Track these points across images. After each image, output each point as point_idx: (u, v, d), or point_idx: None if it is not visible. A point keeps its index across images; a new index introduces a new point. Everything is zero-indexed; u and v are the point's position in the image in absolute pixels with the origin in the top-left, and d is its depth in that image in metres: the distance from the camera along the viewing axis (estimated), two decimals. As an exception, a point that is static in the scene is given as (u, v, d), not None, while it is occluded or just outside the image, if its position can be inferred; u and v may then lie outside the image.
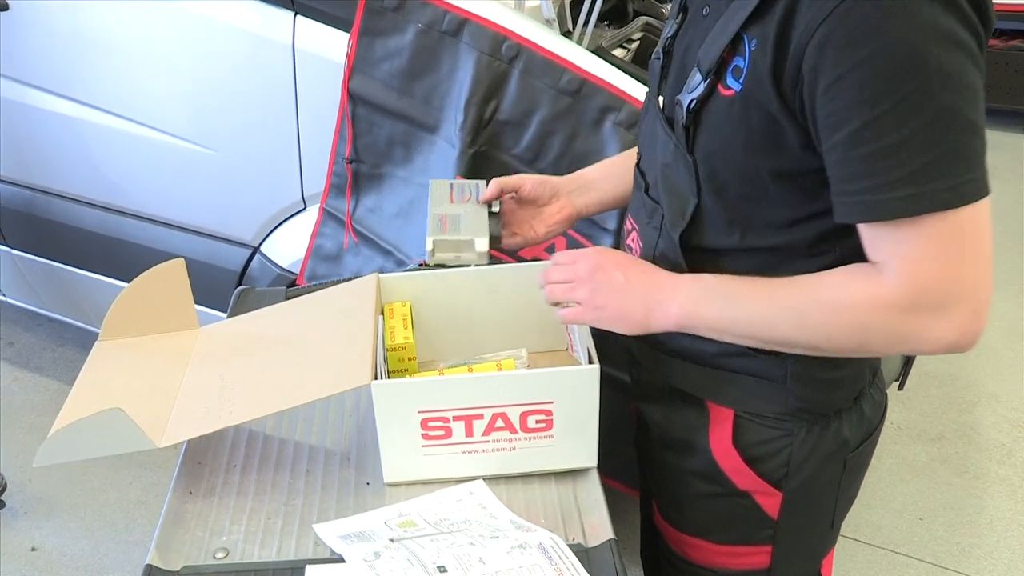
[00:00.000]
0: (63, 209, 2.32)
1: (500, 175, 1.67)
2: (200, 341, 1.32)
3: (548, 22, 1.83)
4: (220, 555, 1.03)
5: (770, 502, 1.11)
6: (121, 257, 2.27)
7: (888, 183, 0.83)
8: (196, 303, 1.36)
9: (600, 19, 2.00)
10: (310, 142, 1.90)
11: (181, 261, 1.33)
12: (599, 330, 1.09)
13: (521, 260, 1.54)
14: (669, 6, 1.86)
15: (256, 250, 2.10)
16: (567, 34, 1.93)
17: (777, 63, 0.86)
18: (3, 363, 2.87)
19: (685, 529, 1.20)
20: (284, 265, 2.05)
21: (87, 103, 2.11)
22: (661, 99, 1.08)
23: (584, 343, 1.15)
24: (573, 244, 1.68)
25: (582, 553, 0.99)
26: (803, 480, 1.10)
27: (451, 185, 1.38)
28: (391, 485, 1.13)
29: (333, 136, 1.79)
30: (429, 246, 1.26)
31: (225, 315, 1.44)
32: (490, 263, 1.28)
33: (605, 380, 1.08)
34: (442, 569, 0.93)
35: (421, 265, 1.49)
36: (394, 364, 1.23)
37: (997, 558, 2.25)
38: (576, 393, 1.08)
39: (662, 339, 1.08)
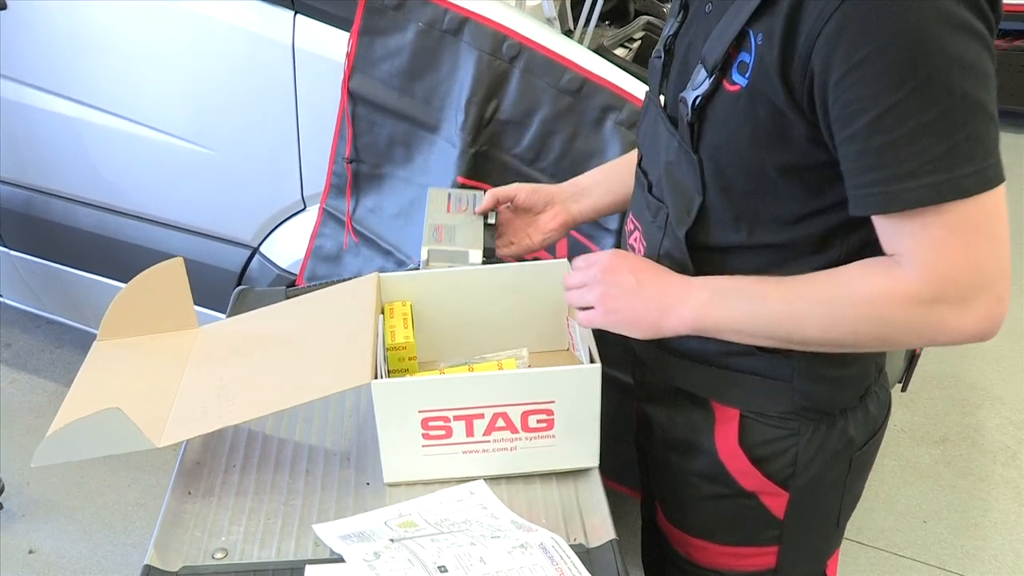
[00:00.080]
0: (61, 209, 2.31)
1: (501, 175, 1.68)
2: (199, 341, 1.31)
3: (549, 21, 1.83)
4: (219, 555, 1.02)
5: (776, 502, 1.11)
6: (120, 258, 2.27)
7: (908, 172, 0.82)
8: (195, 304, 1.35)
9: (601, 19, 2.00)
10: (310, 142, 1.90)
11: (180, 260, 1.33)
12: (599, 330, 1.09)
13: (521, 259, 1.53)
14: (670, 5, 1.85)
15: (256, 251, 2.10)
16: (568, 33, 1.92)
17: (785, 57, 0.86)
18: (1, 365, 2.86)
19: (689, 530, 1.20)
20: (284, 266, 2.04)
21: (85, 103, 2.10)
22: (662, 98, 1.08)
23: (585, 342, 1.14)
24: (575, 245, 1.67)
25: (583, 553, 0.98)
26: (809, 480, 1.09)
27: (449, 194, 1.39)
28: (391, 485, 1.12)
29: (333, 136, 1.78)
30: (424, 255, 1.29)
31: (224, 316, 1.43)
32: (492, 263, 1.28)
33: (605, 381, 1.08)
34: (443, 569, 0.92)
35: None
36: (394, 364, 1.22)
37: (1002, 561, 2.24)
38: (577, 393, 1.07)
39: (667, 339, 1.08)
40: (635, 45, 2.05)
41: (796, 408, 1.06)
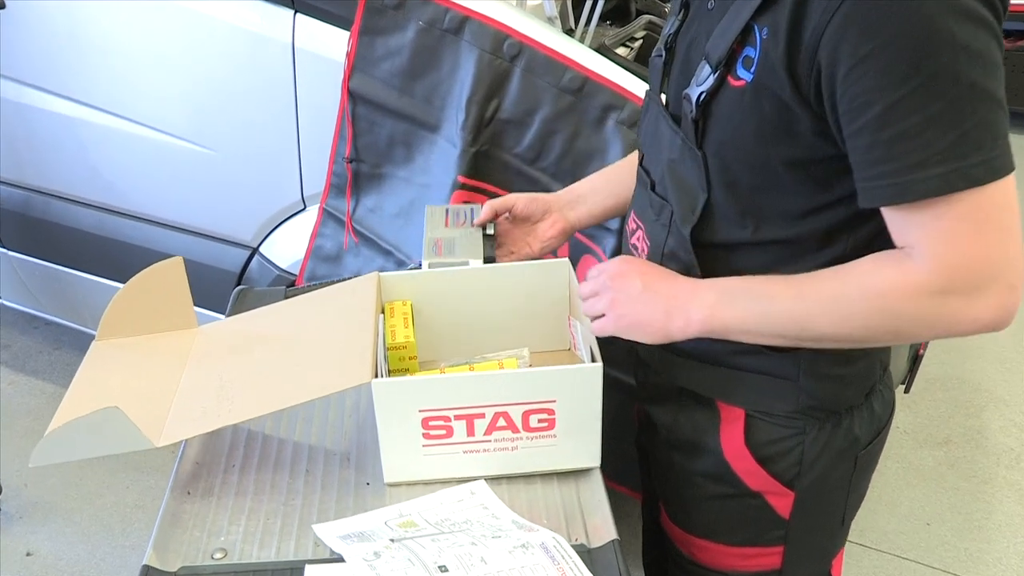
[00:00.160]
0: (60, 210, 2.31)
1: (502, 174, 1.68)
2: (198, 340, 1.30)
3: (550, 20, 1.82)
4: (218, 555, 1.02)
5: (782, 502, 1.10)
6: (119, 258, 2.26)
7: (917, 163, 0.81)
8: (194, 304, 1.35)
9: (602, 18, 2.00)
10: (310, 142, 1.89)
11: (179, 259, 1.32)
12: None
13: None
14: (671, 4, 1.85)
15: (255, 251, 2.09)
16: (569, 32, 1.92)
17: (791, 51, 0.85)
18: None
19: (694, 531, 1.19)
20: (283, 266, 2.04)
21: (84, 102, 2.09)
22: (664, 96, 1.08)
23: (587, 342, 1.13)
24: (576, 245, 1.67)
25: (585, 554, 0.98)
26: (815, 479, 1.09)
27: (447, 210, 1.40)
28: (391, 485, 1.11)
29: (333, 136, 1.78)
30: (425, 269, 1.28)
31: (224, 317, 1.43)
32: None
33: (606, 381, 1.07)
34: (443, 569, 0.92)
35: (421, 265, 1.49)
36: (395, 363, 1.21)
37: (1006, 564, 2.23)
38: (579, 392, 1.06)
39: None
40: (636, 44, 2.05)
41: (802, 407, 1.05)
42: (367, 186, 1.82)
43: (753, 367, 1.05)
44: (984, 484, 2.47)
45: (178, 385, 1.20)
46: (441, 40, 1.65)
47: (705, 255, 1.02)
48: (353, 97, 1.72)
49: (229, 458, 1.17)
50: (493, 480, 1.10)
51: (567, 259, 1.28)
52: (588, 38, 1.87)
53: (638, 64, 1.83)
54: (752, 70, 0.90)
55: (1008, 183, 0.82)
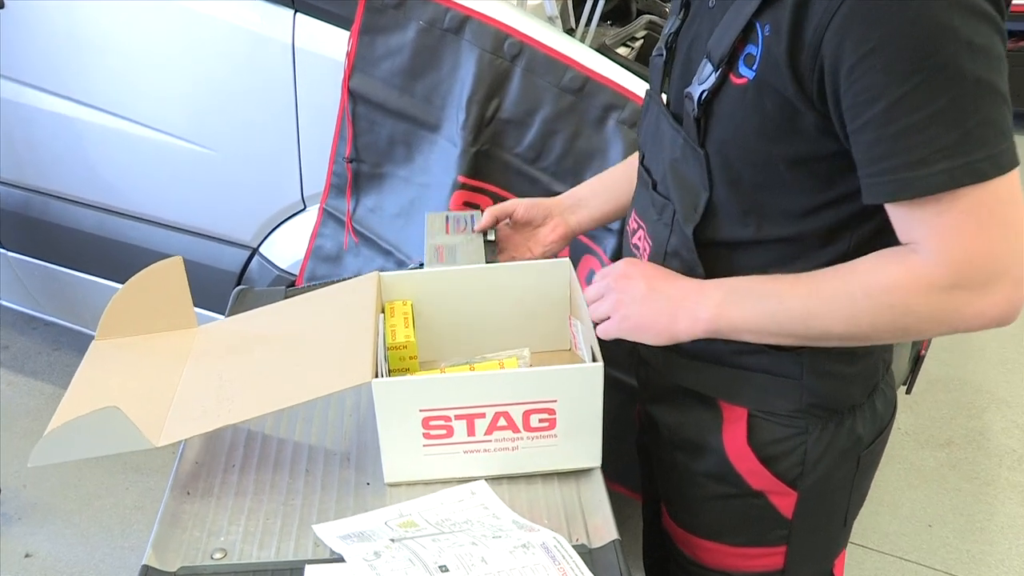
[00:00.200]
0: (59, 210, 2.30)
1: (502, 174, 1.67)
2: (198, 340, 1.30)
3: (551, 20, 1.82)
4: (218, 555, 1.01)
5: (784, 502, 1.10)
6: (118, 259, 2.25)
7: (922, 159, 0.81)
8: (194, 305, 1.34)
9: (603, 18, 1.99)
10: (310, 142, 1.89)
11: (179, 259, 1.31)
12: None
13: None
14: (671, 3, 1.85)
15: (255, 251, 2.09)
16: (570, 32, 1.92)
17: (793, 47, 0.85)
18: (-1, 367, 2.86)
19: (696, 531, 1.19)
20: (283, 266, 2.03)
21: (83, 102, 2.09)
22: (665, 96, 1.08)
23: (588, 342, 1.13)
24: (577, 244, 1.66)
25: (586, 554, 0.97)
26: (818, 478, 1.08)
27: (447, 217, 1.41)
28: (392, 485, 1.10)
29: (333, 135, 1.77)
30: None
31: (223, 317, 1.42)
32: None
33: (606, 382, 1.07)
34: (444, 569, 0.91)
35: (422, 265, 1.49)
36: (395, 363, 1.21)
37: (1008, 566, 2.22)
38: (580, 391, 1.06)
39: None
40: (637, 44, 2.05)
41: (805, 406, 1.05)
42: (367, 186, 1.81)
43: (756, 366, 1.05)
44: (986, 486, 2.46)
45: (178, 385, 1.19)
46: (442, 40, 1.64)
47: (708, 254, 1.02)
48: (353, 97, 1.72)
49: (229, 458, 1.17)
50: (494, 480, 1.09)
51: (567, 259, 1.28)
52: (589, 38, 1.87)
53: (639, 64, 1.82)
54: (754, 68, 0.89)
55: (1012, 178, 0.82)
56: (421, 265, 1.32)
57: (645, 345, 1.05)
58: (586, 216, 1.35)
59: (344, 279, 1.40)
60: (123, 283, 1.29)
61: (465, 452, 1.08)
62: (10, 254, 2.50)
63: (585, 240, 1.67)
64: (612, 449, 1.13)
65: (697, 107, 0.96)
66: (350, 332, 1.16)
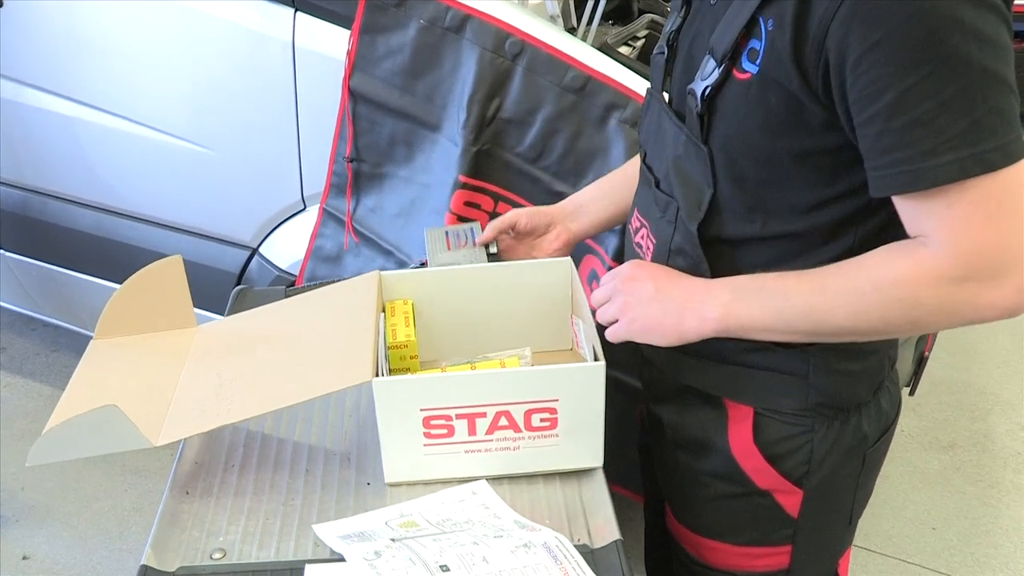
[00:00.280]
0: (58, 210, 2.30)
1: (503, 174, 1.67)
2: (197, 339, 1.29)
3: (552, 19, 1.81)
4: (217, 555, 1.00)
5: (790, 500, 1.09)
6: (117, 259, 2.24)
7: (930, 150, 0.80)
8: (193, 306, 1.33)
9: (605, 17, 1.99)
10: (310, 141, 1.88)
11: (178, 258, 1.31)
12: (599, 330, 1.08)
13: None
14: (672, 1, 1.85)
15: (255, 251, 2.08)
16: (571, 31, 1.91)
17: (797, 41, 0.85)
18: (-3, 369, 2.85)
19: (701, 531, 1.18)
20: (283, 266, 2.03)
21: (83, 102, 2.08)
22: (666, 94, 1.07)
23: (589, 340, 1.12)
24: (578, 245, 1.65)
25: (588, 554, 0.97)
26: (823, 477, 1.08)
27: (446, 232, 1.40)
28: (392, 485, 1.10)
29: (333, 135, 1.77)
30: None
31: (223, 317, 1.41)
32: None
33: (608, 383, 1.06)
34: (445, 568, 0.90)
35: (422, 264, 1.48)
36: (396, 363, 1.20)
37: (1013, 568, 2.21)
38: (581, 391, 1.05)
39: None
40: (639, 43, 2.04)
41: (811, 404, 1.05)
42: (368, 186, 1.81)
43: (762, 364, 1.04)
44: (990, 488, 2.45)
45: (177, 384, 1.19)
46: (442, 38, 1.64)
47: (712, 251, 1.01)
48: (354, 96, 1.71)
49: (228, 458, 1.16)
50: (495, 480, 1.09)
51: (569, 258, 1.28)
52: (590, 37, 1.86)
53: (641, 63, 1.82)
54: (758, 63, 0.89)
55: (1020, 168, 0.81)
56: (422, 265, 1.31)
57: (649, 345, 1.04)
58: (587, 222, 1.35)
59: (344, 279, 1.39)
60: (122, 284, 1.28)
61: (466, 452, 1.07)
62: (8, 254, 2.49)
63: (587, 240, 1.66)
64: (614, 451, 1.13)
65: (700, 103, 0.95)
66: (350, 331, 1.15)
